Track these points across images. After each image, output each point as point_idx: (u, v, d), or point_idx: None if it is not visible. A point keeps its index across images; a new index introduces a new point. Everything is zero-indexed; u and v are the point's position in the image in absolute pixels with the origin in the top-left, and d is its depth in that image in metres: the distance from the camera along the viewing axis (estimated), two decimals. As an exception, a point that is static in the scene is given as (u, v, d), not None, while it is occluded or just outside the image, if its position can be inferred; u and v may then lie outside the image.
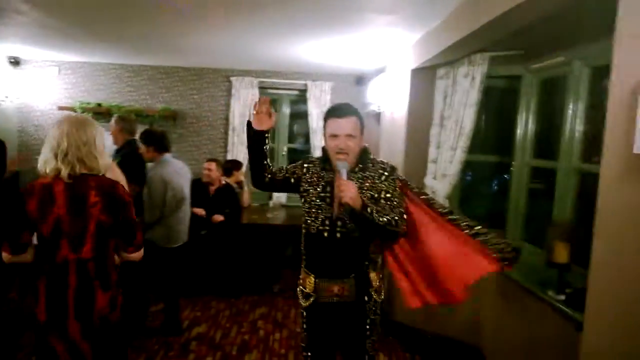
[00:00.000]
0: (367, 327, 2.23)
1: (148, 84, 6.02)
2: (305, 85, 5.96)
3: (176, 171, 3.86)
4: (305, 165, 2.32)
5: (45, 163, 1.99)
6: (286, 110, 6.25)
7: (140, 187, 3.72)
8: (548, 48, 3.34)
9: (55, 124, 2.05)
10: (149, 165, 3.92)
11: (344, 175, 2.04)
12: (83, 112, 5.71)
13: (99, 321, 2.03)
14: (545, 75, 3.53)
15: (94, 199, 1.98)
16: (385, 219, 2.05)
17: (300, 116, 6.50)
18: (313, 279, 2.23)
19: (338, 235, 2.15)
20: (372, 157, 2.26)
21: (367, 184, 2.16)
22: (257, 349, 3.76)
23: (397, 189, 2.19)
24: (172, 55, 5.39)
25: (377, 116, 5.39)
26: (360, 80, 6.05)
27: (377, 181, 2.17)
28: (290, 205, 6.04)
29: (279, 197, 5.71)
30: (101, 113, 5.79)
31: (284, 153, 6.27)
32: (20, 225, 1.98)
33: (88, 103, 5.87)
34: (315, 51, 4.71)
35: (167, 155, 3.87)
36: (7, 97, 5.69)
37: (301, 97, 6.12)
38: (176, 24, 3.97)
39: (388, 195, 2.15)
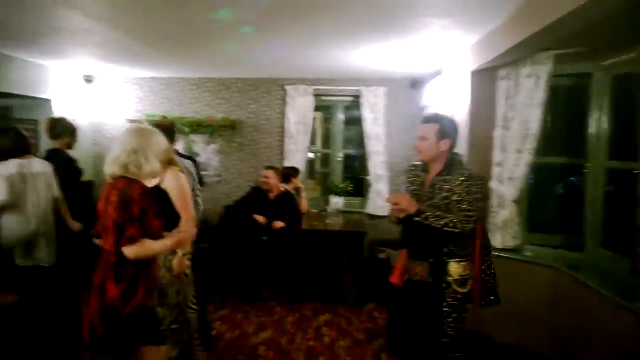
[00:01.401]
0: (445, 310, 2.52)
1: (208, 96, 6.23)
2: (359, 91, 5.97)
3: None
4: (409, 170, 2.82)
5: (105, 166, 2.32)
6: (340, 116, 6.29)
7: None
8: (620, 43, 3.19)
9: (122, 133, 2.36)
10: None
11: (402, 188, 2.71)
12: (150, 124, 5.98)
13: (110, 310, 2.21)
14: (618, 72, 3.37)
15: (113, 198, 2.19)
16: (442, 222, 2.41)
17: (354, 122, 6.51)
18: (407, 258, 2.72)
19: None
20: (460, 162, 2.59)
21: (447, 187, 2.50)
22: (324, 355, 3.79)
23: (471, 194, 2.44)
24: (231, 67, 5.57)
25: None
26: (415, 84, 5.99)
27: (453, 186, 2.47)
28: (348, 212, 6.06)
29: (337, 203, 5.74)
30: (165, 125, 6.05)
31: (339, 159, 6.29)
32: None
33: (154, 115, 6.14)
34: (370, 57, 4.71)
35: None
36: (81, 113, 6.06)
37: (355, 103, 6.14)
38: (235, 37, 4.09)
39: (459, 199, 2.45)
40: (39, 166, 3.74)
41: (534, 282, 3.57)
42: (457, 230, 2.40)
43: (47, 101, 5.70)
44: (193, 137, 6.20)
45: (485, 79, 4.08)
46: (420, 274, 2.59)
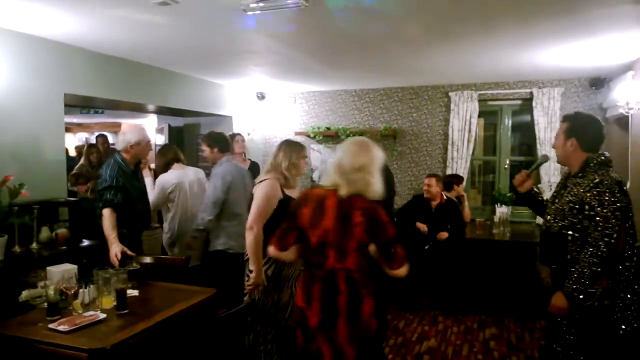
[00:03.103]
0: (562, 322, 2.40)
1: (370, 106, 6.42)
2: (530, 93, 5.59)
3: (231, 172, 3.87)
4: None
5: (325, 175, 2.21)
6: (507, 121, 5.94)
7: None
8: None
9: (342, 144, 2.26)
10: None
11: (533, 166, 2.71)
12: (314, 136, 6.38)
13: (364, 326, 2.11)
14: None
15: (358, 219, 2.05)
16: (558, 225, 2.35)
17: (521, 127, 6.11)
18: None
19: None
20: (600, 164, 2.32)
21: (575, 191, 2.33)
22: (495, 370, 3.60)
23: (605, 205, 2.20)
24: (393, 77, 5.66)
25: (623, 121, 4.72)
26: (595, 82, 5.41)
27: (581, 190, 2.29)
28: (515, 221, 5.68)
29: (505, 213, 5.41)
30: (330, 136, 6.40)
31: (506, 166, 5.94)
32: (290, 228, 2.20)
33: (319, 127, 6.53)
34: (546, 55, 4.38)
35: (229, 156, 4.01)
36: (255, 127, 6.72)
37: (524, 106, 5.76)
38: (405, 49, 4.15)
39: (592, 213, 2.23)
40: (192, 174, 4.33)
41: None
42: (598, 258, 2.19)
43: (229, 118, 6.44)
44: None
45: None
46: (545, 279, 2.58)
